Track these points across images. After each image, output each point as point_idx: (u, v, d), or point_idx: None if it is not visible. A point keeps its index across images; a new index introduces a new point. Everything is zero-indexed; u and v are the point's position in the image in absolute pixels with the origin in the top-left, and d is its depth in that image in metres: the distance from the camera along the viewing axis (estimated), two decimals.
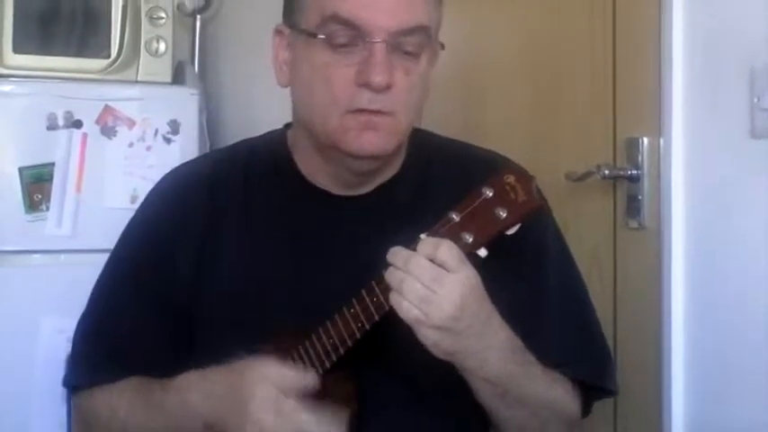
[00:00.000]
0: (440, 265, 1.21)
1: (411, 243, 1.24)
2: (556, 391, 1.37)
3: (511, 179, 1.22)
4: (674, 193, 1.65)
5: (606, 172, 1.80)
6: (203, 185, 1.49)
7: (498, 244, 1.23)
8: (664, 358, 1.65)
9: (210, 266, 1.44)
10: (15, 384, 2.44)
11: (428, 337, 1.22)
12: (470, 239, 1.22)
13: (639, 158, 1.75)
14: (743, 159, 1.52)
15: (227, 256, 1.44)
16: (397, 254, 1.23)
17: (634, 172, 1.76)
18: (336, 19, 1.31)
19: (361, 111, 1.32)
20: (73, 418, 1.53)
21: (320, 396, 1.29)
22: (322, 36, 1.32)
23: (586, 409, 1.44)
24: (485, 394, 1.31)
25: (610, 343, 1.76)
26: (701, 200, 1.62)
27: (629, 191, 1.78)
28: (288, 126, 1.52)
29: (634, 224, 1.77)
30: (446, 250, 1.20)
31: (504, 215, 1.21)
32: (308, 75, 1.36)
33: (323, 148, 1.39)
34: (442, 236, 1.23)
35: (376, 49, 1.29)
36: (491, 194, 1.22)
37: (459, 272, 1.21)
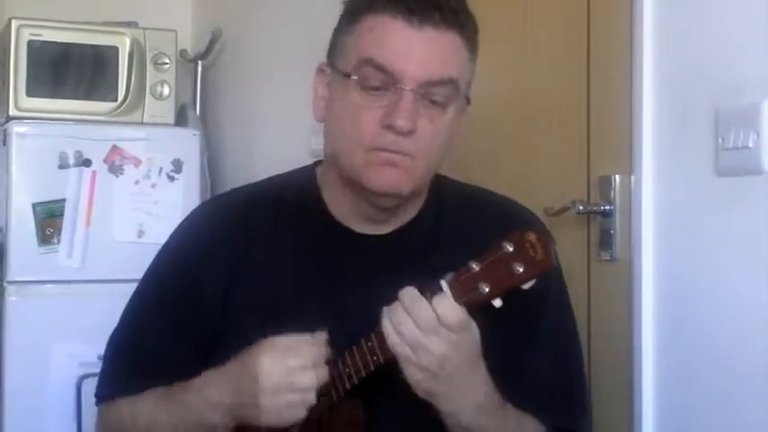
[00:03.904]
0: (443, 325, 1.26)
1: (430, 286, 1.29)
2: None
3: (532, 237, 1.25)
4: (644, 227, 1.67)
5: (581, 207, 1.82)
6: (234, 217, 1.53)
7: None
8: (634, 379, 1.67)
9: (237, 294, 1.49)
10: (30, 406, 2.53)
11: (413, 374, 1.29)
12: (487, 290, 1.26)
13: (612, 195, 1.78)
14: (708, 196, 1.55)
15: (252, 286, 1.49)
16: (406, 293, 1.28)
17: (607, 207, 1.78)
18: (371, 63, 1.36)
19: (384, 150, 1.37)
20: (95, 430, 1.56)
21: (330, 421, 1.35)
22: (355, 77, 1.37)
23: None
24: None
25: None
26: (670, 233, 1.63)
27: (603, 225, 1.81)
28: (317, 163, 1.57)
29: (606, 256, 1.78)
30: (451, 313, 1.26)
31: (521, 270, 1.25)
32: (340, 112, 1.40)
33: (347, 182, 1.44)
34: (462, 283, 1.27)
35: (404, 95, 1.34)
36: (511, 249, 1.25)
37: (457, 334, 1.27)
